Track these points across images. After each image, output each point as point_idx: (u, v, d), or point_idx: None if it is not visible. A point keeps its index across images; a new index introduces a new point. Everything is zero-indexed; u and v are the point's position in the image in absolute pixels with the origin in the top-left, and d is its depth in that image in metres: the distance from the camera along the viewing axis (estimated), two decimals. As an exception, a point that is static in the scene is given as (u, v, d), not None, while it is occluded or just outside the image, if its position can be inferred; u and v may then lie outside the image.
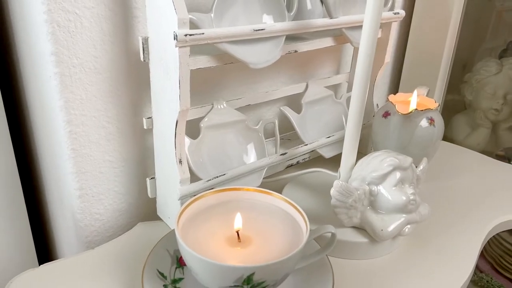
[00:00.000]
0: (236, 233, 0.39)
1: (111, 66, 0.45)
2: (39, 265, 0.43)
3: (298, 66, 0.64)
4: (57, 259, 0.45)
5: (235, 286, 0.34)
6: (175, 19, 0.38)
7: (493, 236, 0.95)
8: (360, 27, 0.49)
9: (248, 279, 0.34)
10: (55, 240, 0.59)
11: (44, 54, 0.41)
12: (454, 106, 0.87)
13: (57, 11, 0.39)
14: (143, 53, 0.43)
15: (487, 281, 0.96)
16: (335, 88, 0.70)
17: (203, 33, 0.40)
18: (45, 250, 0.63)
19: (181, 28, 0.38)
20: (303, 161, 0.60)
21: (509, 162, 0.74)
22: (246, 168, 0.51)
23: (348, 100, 0.65)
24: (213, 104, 0.51)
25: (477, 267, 1.00)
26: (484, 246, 0.99)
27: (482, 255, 1.02)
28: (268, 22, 0.46)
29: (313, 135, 0.60)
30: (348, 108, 0.64)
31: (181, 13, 0.38)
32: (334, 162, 0.56)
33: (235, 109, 0.53)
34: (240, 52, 0.44)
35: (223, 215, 0.41)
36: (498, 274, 0.98)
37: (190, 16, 0.39)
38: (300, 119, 0.59)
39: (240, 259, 0.37)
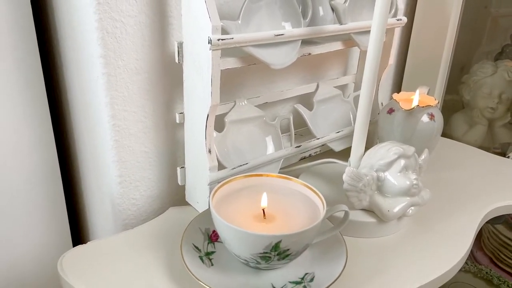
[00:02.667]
0: (262, 211, 0.45)
1: (149, 67, 0.51)
2: (73, 246, 0.49)
3: (309, 68, 0.70)
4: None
5: (264, 253, 0.40)
6: (209, 26, 0.44)
7: (491, 230, 1.01)
8: (367, 32, 0.55)
9: (276, 246, 0.39)
10: (89, 225, 0.65)
11: (93, 57, 0.47)
12: (453, 105, 0.93)
13: (106, 19, 0.45)
14: (178, 56, 0.49)
15: (486, 273, 1.01)
16: (342, 88, 0.76)
17: (232, 38, 0.46)
18: (77, 234, 0.69)
19: (214, 33, 0.44)
20: (315, 154, 0.66)
21: (504, 157, 0.80)
22: (265, 158, 0.57)
23: (355, 99, 0.71)
24: (235, 102, 0.57)
25: (476, 261, 1.04)
26: (482, 240, 1.04)
27: (481, 249, 1.06)
28: (287, 28, 0.52)
29: (324, 130, 0.66)
30: (355, 106, 0.70)
31: (215, 20, 0.44)
32: (343, 155, 0.62)
33: (255, 106, 0.59)
34: (262, 54, 0.50)
35: (249, 197, 0.47)
36: (497, 267, 1.02)
37: (221, 23, 0.45)
38: (312, 115, 0.65)
39: (266, 232, 0.43)
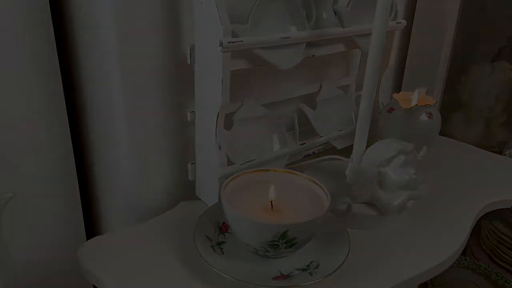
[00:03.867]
0: (270, 203, 0.48)
1: (162, 68, 0.53)
2: (87, 240, 0.52)
3: (313, 69, 0.72)
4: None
5: (272, 241, 0.43)
6: (221, 29, 0.47)
7: (489, 228, 1.03)
8: (368, 35, 0.58)
9: (284, 235, 0.42)
10: (102, 219, 0.68)
11: (110, 58, 0.50)
12: (452, 105, 0.96)
13: (123, 22, 0.48)
14: (190, 58, 0.52)
15: (485, 268, 1.03)
16: (344, 88, 0.78)
17: (242, 41, 0.49)
18: (90, 228, 0.71)
19: (225, 36, 0.47)
20: (318, 151, 0.69)
21: (501, 154, 0.82)
22: (272, 155, 0.60)
23: (357, 98, 0.74)
24: (243, 101, 0.59)
25: (476, 258, 1.07)
26: (481, 238, 1.06)
27: (480, 246, 1.08)
28: (292, 31, 0.55)
29: (327, 128, 0.69)
30: (357, 106, 0.73)
31: (226, 24, 0.47)
32: (345, 153, 0.65)
33: (261, 105, 0.62)
34: (269, 56, 0.53)
35: (257, 191, 0.49)
36: (496, 265, 1.04)
37: (231, 27, 0.48)
38: (316, 114, 0.68)
39: (275, 222, 0.46)
